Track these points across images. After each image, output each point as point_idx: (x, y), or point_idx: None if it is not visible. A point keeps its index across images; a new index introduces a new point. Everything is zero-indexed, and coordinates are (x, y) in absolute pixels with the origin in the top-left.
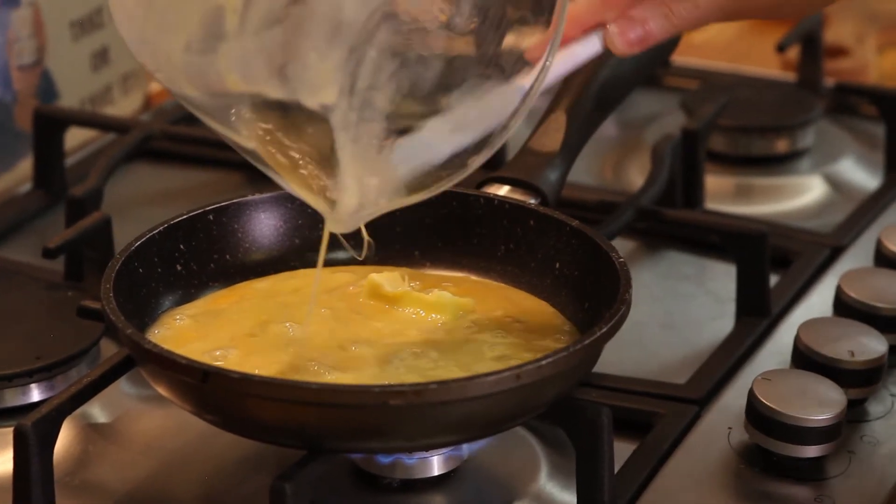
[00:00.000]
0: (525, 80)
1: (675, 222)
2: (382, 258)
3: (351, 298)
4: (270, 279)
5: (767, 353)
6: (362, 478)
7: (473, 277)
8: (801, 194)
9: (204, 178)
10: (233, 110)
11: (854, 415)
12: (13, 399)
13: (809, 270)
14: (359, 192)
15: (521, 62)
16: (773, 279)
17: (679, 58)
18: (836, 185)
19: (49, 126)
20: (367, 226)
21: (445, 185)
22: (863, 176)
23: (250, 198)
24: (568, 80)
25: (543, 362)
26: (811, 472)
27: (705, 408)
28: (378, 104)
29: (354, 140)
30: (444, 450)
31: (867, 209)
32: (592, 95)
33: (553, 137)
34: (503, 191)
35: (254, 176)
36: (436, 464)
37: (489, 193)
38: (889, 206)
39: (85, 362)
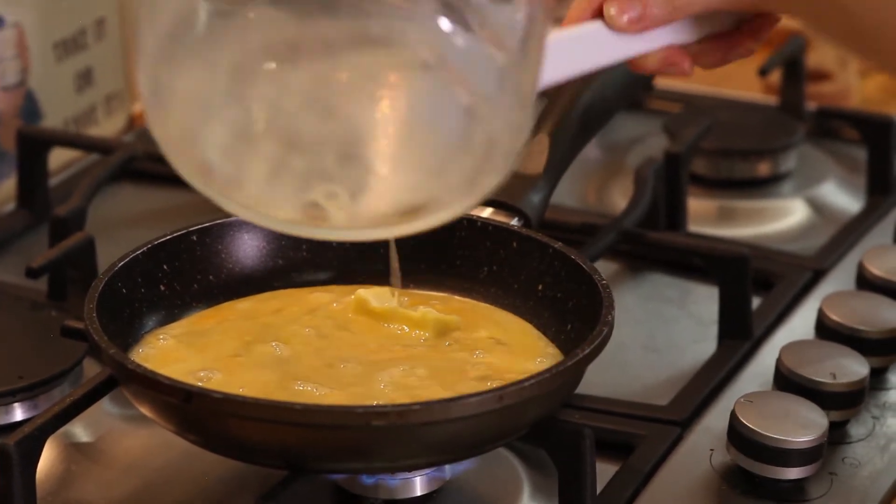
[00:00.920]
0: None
1: (657, 245)
2: (365, 279)
3: (337, 315)
4: (251, 300)
5: (749, 376)
6: (345, 498)
7: (455, 298)
8: (784, 217)
9: (187, 198)
10: None
11: (836, 437)
12: None
13: (791, 293)
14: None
15: None
16: (756, 302)
17: (662, 81)
18: (818, 209)
19: (33, 146)
20: (350, 243)
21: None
22: (845, 199)
23: (234, 218)
24: (551, 103)
25: (526, 384)
26: (793, 494)
27: (687, 429)
28: None
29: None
30: (426, 470)
31: (849, 232)
32: (576, 118)
33: (536, 160)
34: (486, 212)
35: None
36: (419, 484)
37: (472, 215)
38: (871, 229)
39: (68, 382)
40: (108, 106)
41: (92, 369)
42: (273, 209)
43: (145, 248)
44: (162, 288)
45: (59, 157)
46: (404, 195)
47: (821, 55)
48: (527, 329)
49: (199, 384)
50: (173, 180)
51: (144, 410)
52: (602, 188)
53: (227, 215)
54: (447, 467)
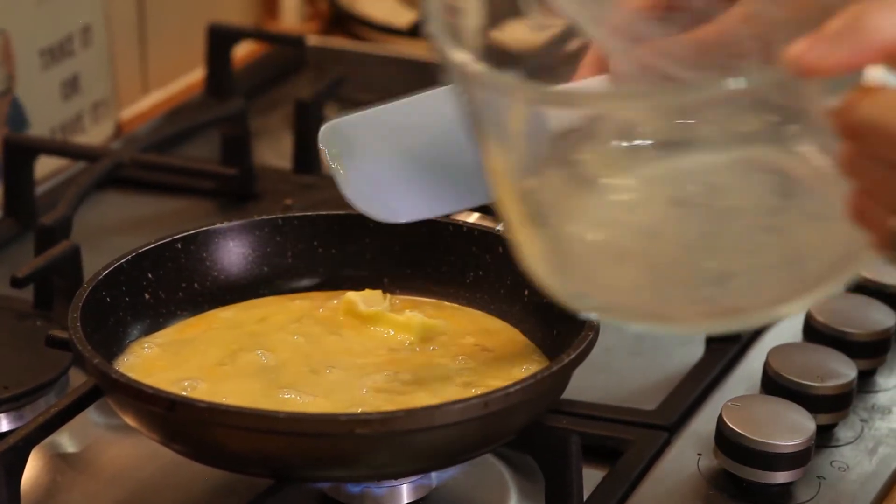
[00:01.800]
0: None
1: None
2: (351, 285)
3: (325, 320)
4: (234, 308)
5: (737, 379)
6: None
7: (444, 303)
8: None
9: (174, 205)
10: None
11: (823, 440)
12: None
13: None
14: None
15: None
16: None
17: None
18: None
19: (19, 154)
20: (336, 249)
21: None
22: None
23: (218, 226)
24: None
25: (511, 390)
26: (781, 498)
27: (675, 434)
28: None
29: None
30: (413, 478)
31: None
32: None
33: None
34: (472, 217)
35: (223, 203)
36: (405, 492)
37: (458, 220)
38: None
39: (53, 392)
40: (94, 113)
41: (78, 379)
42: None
43: (129, 257)
44: (147, 296)
45: (45, 166)
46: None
47: None
48: (513, 334)
49: (184, 393)
50: (160, 187)
51: (129, 420)
52: None
53: (212, 222)
54: (433, 474)
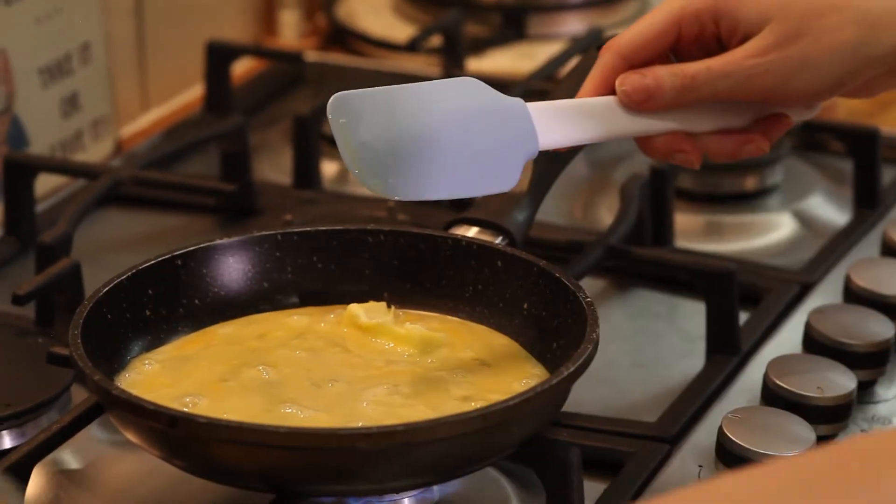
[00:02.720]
0: None
1: (644, 261)
2: (351, 300)
3: (327, 334)
4: (232, 325)
5: (737, 391)
6: None
7: (448, 317)
8: (770, 231)
9: (174, 222)
10: None
11: None
12: None
13: (779, 307)
14: None
15: None
16: (743, 316)
17: None
18: (805, 222)
19: (19, 173)
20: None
21: None
22: (831, 212)
23: (218, 242)
24: None
25: (511, 403)
26: None
27: (676, 446)
28: None
29: None
30: (414, 492)
31: (836, 245)
32: None
33: (521, 178)
34: (471, 232)
35: (223, 219)
36: None
37: (457, 235)
38: (858, 242)
39: (55, 409)
40: (94, 131)
41: (79, 395)
42: None
43: (130, 274)
44: (147, 313)
45: (45, 184)
46: None
47: None
48: (513, 348)
49: (185, 409)
50: (160, 204)
51: (130, 436)
52: (588, 204)
53: (212, 239)
54: (435, 488)
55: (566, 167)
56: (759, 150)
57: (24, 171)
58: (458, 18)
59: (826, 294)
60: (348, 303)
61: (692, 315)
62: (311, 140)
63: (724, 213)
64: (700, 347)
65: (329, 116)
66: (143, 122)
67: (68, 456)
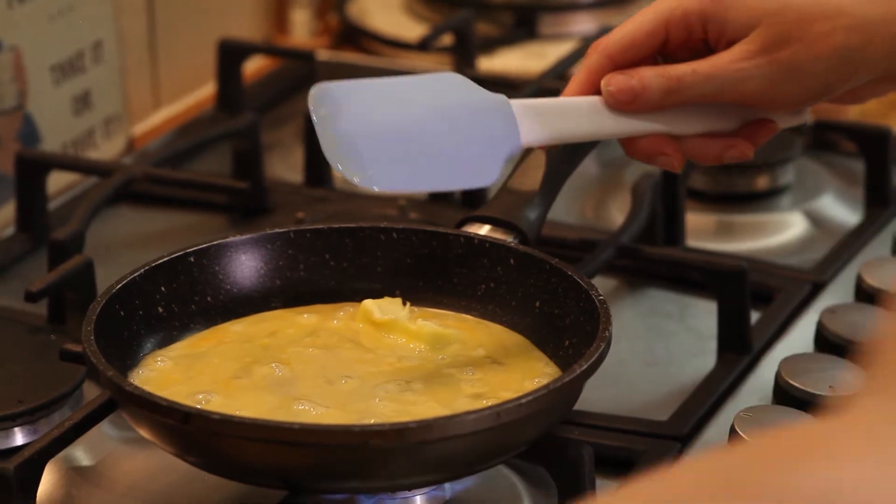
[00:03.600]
0: None
1: (655, 260)
2: (363, 298)
3: (340, 331)
4: (244, 323)
5: (749, 390)
6: None
7: (463, 315)
8: (782, 231)
9: (186, 220)
10: None
11: None
12: None
13: (790, 306)
14: None
15: None
16: (755, 315)
17: None
18: (817, 222)
19: (31, 170)
20: (348, 262)
21: None
22: (843, 212)
23: (231, 239)
24: None
25: (524, 401)
26: None
27: (687, 445)
28: None
29: None
30: (426, 489)
31: (847, 245)
32: None
33: (533, 177)
34: (483, 230)
35: (235, 217)
36: (419, 503)
37: (469, 233)
38: (869, 241)
39: (68, 405)
40: (106, 129)
41: (92, 392)
42: None
43: (143, 270)
44: (160, 310)
45: (57, 181)
46: None
47: None
48: (525, 346)
49: (199, 406)
50: (172, 202)
51: (143, 433)
52: (600, 204)
53: (224, 236)
54: (447, 486)
55: (578, 166)
56: (742, 155)
57: (36, 168)
58: (470, 18)
59: (837, 293)
60: (360, 301)
61: (704, 314)
62: None
63: (736, 212)
64: (711, 346)
65: (310, 107)
66: (155, 119)
67: (80, 453)
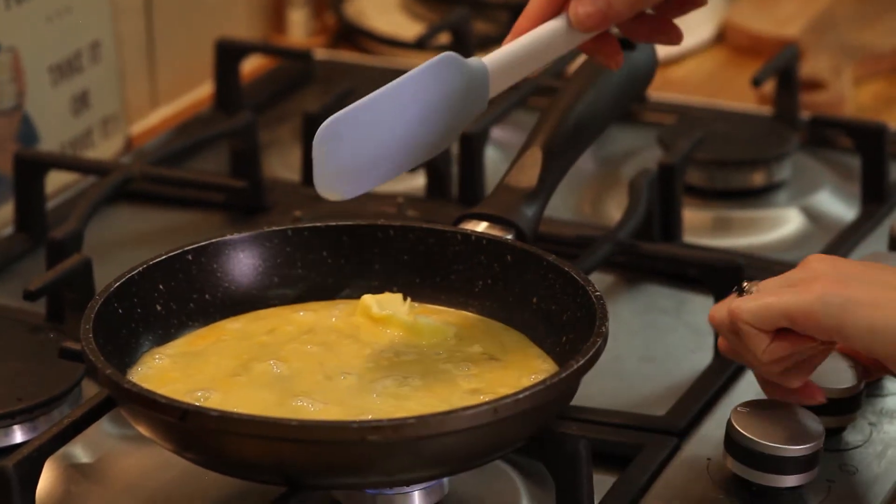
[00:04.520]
0: None
1: (652, 256)
2: (360, 295)
3: (338, 327)
4: (241, 320)
5: (746, 384)
6: None
7: (462, 312)
8: (779, 227)
9: (184, 218)
10: None
11: (832, 444)
12: None
13: None
14: None
15: None
16: None
17: (656, 93)
18: (813, 217)
19: (29, 170)
20: (345, 259)
21: None
22: (839, 207)
23: (229, 237)
24: (544, 116)
25: (520, 396)
26: (790, 502)
27: (684, 439)
28: None
29: None
30: (424, 484)
31: (844, 240)
32: (569, 131)
33: (529, 173)
34: (480, 227)
35: (233, 216)
36: (417, 498)
37: (466, 230)
38: (866, 237)
39: (67, 403)
40: (104, 128)
41: (90, 390)
42: None
43: (141, 269)
44: (158, 307)
45: (56, 181)
46: None
47: (814, 64)
48: (522, 342)
49: (197, 403)
50: (170, 201)
51: (142, 430)
52: (596, 200)
53: (222, 234)
54: (444, 481)
55: (575, 162)
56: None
57: (34, 168)
58: (467, 16)
59: None
60: (358, 298)
61: (700, 310)
62: None
63: (733, 208)
64: (708, 342)
65: (314, 144)
66: (153, 119)
67: (79, 450)
